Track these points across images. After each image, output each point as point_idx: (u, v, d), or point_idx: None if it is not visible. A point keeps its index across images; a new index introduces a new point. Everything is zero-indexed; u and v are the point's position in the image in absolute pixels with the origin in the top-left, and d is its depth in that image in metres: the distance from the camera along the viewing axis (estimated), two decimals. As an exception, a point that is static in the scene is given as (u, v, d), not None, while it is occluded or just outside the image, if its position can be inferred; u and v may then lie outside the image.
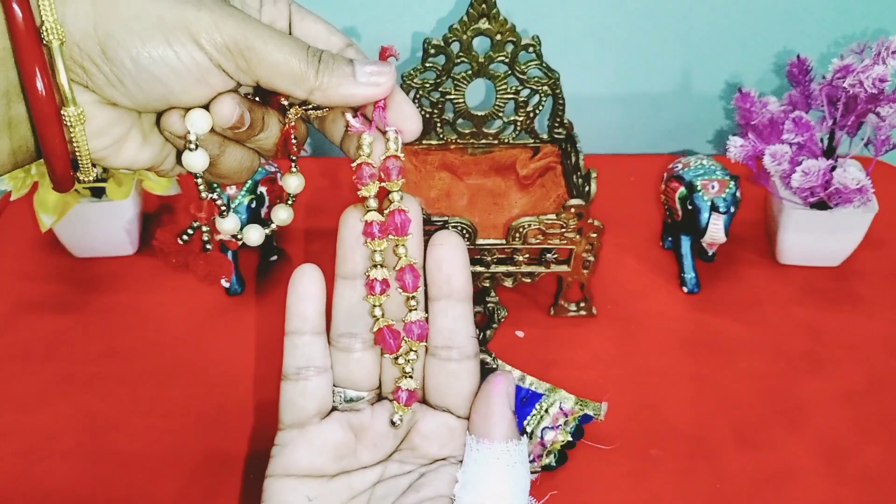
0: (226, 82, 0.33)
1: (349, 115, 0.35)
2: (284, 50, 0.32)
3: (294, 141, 0.37)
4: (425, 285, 0.38)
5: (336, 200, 0.76)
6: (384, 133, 0.36)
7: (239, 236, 0.40)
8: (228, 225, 0.38)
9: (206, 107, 0.33)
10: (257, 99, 0.36)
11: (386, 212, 0.37)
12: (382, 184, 0.36)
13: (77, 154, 0.33)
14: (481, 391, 0.39)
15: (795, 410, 0.61)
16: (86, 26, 0.30)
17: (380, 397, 0.40)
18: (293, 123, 0.36)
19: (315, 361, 0.38)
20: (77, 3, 0.30)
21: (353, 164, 0.36)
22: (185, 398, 0.61)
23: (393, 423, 0.39)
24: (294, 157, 0.38)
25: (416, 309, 0.38)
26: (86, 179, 0.34)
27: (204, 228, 0.38)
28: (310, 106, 0.36)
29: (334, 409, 0.39)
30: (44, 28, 0.30)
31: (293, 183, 0.39)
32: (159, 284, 0.69)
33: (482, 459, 0.38)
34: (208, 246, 0.38)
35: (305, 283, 0.38)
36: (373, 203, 0.37)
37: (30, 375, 0.62)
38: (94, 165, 0.34)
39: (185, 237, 0.38)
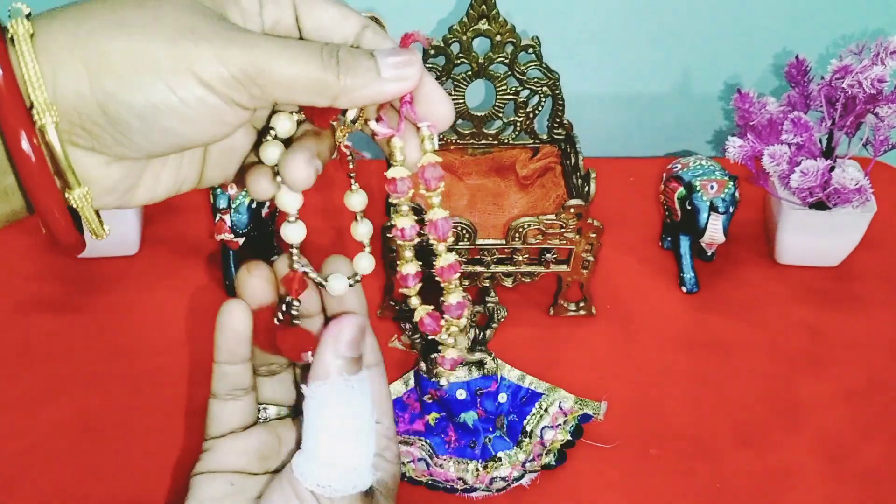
0: (241, 115, 0.30)
1: (372, 122, 0.33)
2: (298, 62, 0.29)
3: (350, 158, 0.35)
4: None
5: (335, 201, 0.77)
6: (416, 127, 0.33)
7: (317, 278, 0.38)
8: (295, 232, 0.36)
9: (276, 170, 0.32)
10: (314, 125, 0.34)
11: (427, 219, 0.36)
12: (422, 193, 0.35)
13: (87, 228, 0.31)
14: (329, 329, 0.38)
15: (795, 410, 0.61)
16: (81, 90, 0.28)
17: (299, 413, 0.40)
18: (346, 143, 0.34)
19: (242, 385, 0.40)
20: (66, 68, 0.28)
21: (387, 175, 0.34)
22: (185, 398, 0.61)
23: (440, 385, 0.43)
24: (352, 175, 0.37)
25: (453, 292, 0.38)
26: (101, 238, 0.33)
27: (295, 303, 0.37)
28: (353, 121, 0.33)
29: (259, 420, 0.42)
30: (34, 110, 0.27)
31: (356, 200, 0.38)
32: (159, 284, 0.69)
33: (315, 401, 0.37)
34: (295, 322, 0.37)
35: (233, 321, 0.37)
36: (405, 209, 0.36)
37: (30, 375, 0.62)
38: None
39: (280, 317, 0.38)
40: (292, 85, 0.29)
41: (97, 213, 0.32)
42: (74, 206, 0.30)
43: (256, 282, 0.37)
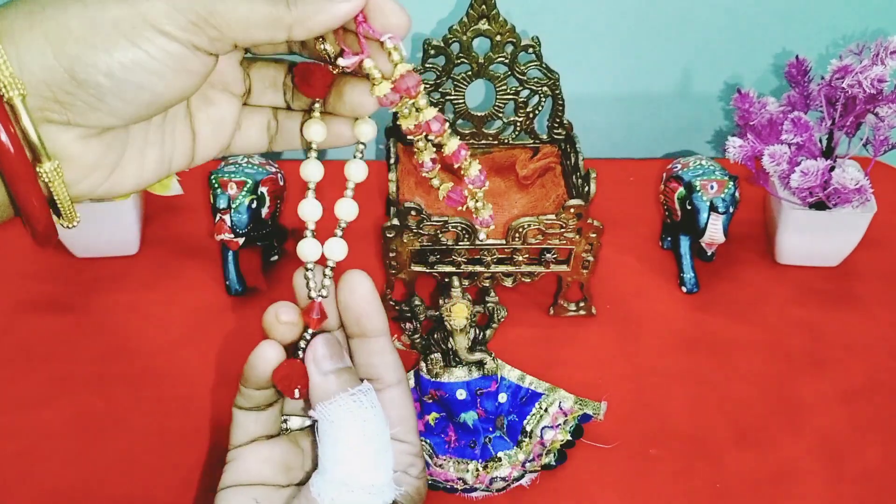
0: (206, 62, 0.31)
1: (340, 59, 0.32)
2: None
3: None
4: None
5: (335, 201, 0.76)
6: (380, 43, 0.33)
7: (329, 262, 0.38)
8: (311, 250, 0.37)
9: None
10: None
11: (422, 120, 0.35)
12: (409, 102, 0.35)
13: (59, 206, 0.32)
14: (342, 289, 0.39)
15: (795, 410, 0.61)
16: (46, 62, 0.28)
17: None
18: (343, 66, 0.33)
19: (267, 400, 0.40)
20: (29, 45, 0.28)
21: (374, 93, 0.33)
22: (185, 398, 0.61)
23: (485, 234, 0.44)
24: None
25: (470, 167, 0.38)
26: (71, 226, 0.33)
27: (307, 335, 0.38)
28: (335, 58, 0.33)
29: (283, 431, 0.41)
30: (1, 84, 0.28)
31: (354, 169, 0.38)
32: (159, 284, 0.69)
33: (324, 421, 0.37)
34: (299, 353, 0.37)
35: (266, 362, 0.38)
36: (405, 111, 0.35)
37: (30, 375, 0.62)
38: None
39: (301, 354, 0.38)
40: (247, 23, 0.30)
41: (65, 184, 0.32)
42: (46, 180, 0.30)
43: (284, 328, 0.38)
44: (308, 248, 0.36)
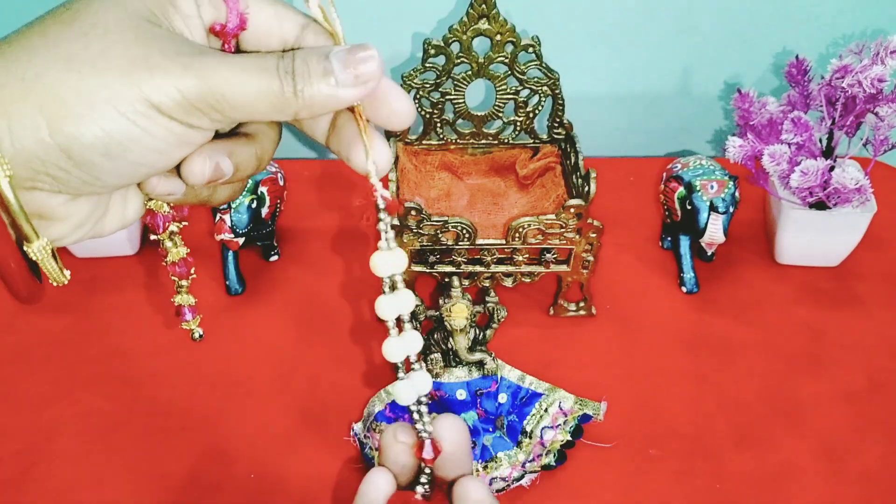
0: (206, 134, 0.29)
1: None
2: (253, 83, 0.28)
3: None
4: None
5: (335, 201, 0.77)
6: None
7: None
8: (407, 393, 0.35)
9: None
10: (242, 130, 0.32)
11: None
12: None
13: (48, 275, 0.30)
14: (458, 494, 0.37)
15: (795, 410, 0.61)
16: (41, 137, 0.26)
17: None
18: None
19: None
20: (22, 116, 0.26)
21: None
22: (185, 398, 0.61)
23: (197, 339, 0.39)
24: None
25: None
26: (59, 284, 0.31)
27: (426, 472, 0.37)
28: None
29: None
30: None
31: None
32: (159, 284, 0.69)
33: None
34: (418, 489, 0.36)
35: (378, 489, 0.35)
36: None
37: (30, 375, 0.62)
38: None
39: (422, 491, 0.37)
40: (252, 107, 0.29)
41: (55, 257, 0.30)
42: (34, 258, 0.28)
43: (401, 447, 0.36)
44: (393, 348, 0.34)
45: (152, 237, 0.34)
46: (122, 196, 0.32)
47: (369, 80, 0.29)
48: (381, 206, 0.32)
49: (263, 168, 0.34)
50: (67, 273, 0.31)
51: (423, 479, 0.36)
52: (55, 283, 0.31)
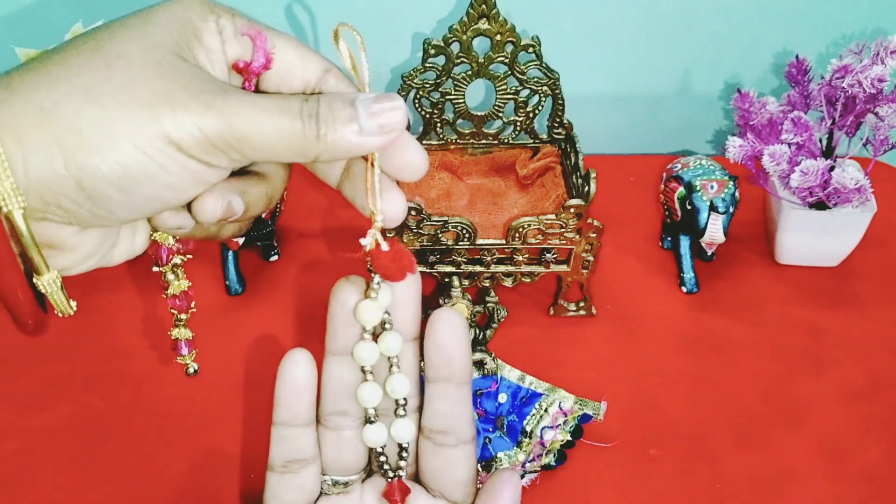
0: (222, 173, 0.29)
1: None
2: (275, 124, 0.28)
3: None
4: (421, 365, 0.35)
5: (336, 201, 0.76)
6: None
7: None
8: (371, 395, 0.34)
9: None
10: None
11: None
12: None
13: (55, 308, 0.30)
14: (487, 491, 0.35)
15: (795, 410, 0.61)
16: (55, 168, 0.26)
17: (369, 473, 0.37)
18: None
19: (304, 454, 0.35)
20: (37, 148, 0.26)
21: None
22: (185, 398, 0.61)
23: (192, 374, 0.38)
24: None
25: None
26: (68, 314, 0.31)
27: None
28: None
29: (322, 494, 0.36)
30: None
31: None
32: (159, 284, 0.69)
33: None
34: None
35: (297, 373, 0.33)
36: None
37: (30, 375, 0.62)
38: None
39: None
40: (272, 149, 0.28)
41: (62, 289, 0.30)
42: (43, 291, 0.28)
43: (351, 288, 0.33)
44: (368, 395, 0.33)
45: (154, 269, 0.34)
46: (131, 228, 0.32)
47: (393, 129, 0.29)
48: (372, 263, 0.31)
49: (272, 207, 0.33)
50: (74, 304, 0.30)
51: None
52: (61, 315, 0.30)
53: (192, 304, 0.36)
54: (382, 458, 0.35)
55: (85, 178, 0.26)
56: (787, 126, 0.64)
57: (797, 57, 0.67)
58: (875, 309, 0.68)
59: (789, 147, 0.64)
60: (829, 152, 0.66)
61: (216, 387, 0.61)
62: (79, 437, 0.58)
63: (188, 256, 0.34)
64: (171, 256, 0.34)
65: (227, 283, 0.68)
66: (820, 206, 0.67)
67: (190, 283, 0.35)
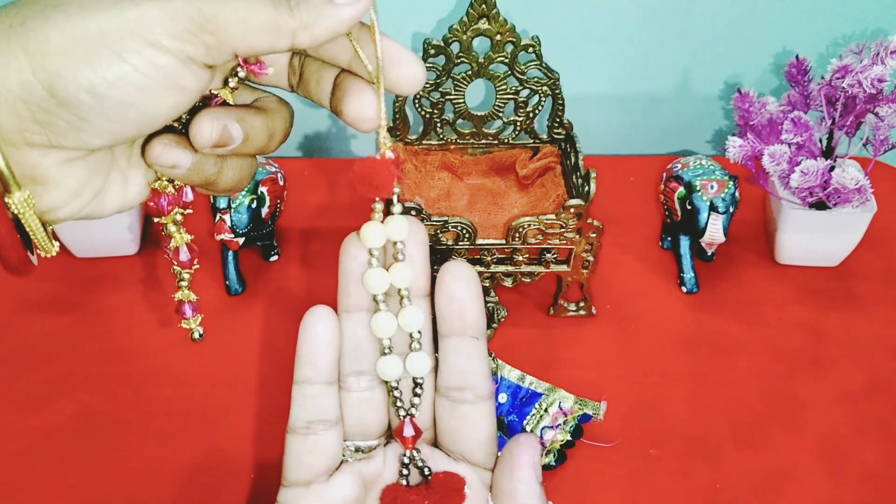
0: (199, 75, 0.28)
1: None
2: (246, 1, 0.27)
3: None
4: (434, 321, 0.34)
5: (336, 200, 0.77)
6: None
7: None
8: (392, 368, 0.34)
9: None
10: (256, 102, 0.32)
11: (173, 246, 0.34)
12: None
13: (33, 238, 0.29)
14: (506, 457, 0.34)
15: (795, 410, 0.61)
16: (24, 78, 0.26)
17: (389, 439, 0.36)
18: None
19: (326, 415, 0.34)
20: (6, 58, 0.26)
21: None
22: (185, 398, 0.61)
23: (197, 339, 0.37)
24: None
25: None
26: (48, 255, 0.30)
27: (414, 454, 0.35)
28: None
29: (343, 461, 0.35)
30: None
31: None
32: (159, 284, 0.69)
33: None
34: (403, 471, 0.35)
35: (319, 328, 0.33)
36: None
37: (30, 375, 0.62)
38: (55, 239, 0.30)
39: (403, 471, 0.35)
40: (247, 29, 0.27)
41: (44, 225, 0.29)
42: (15, 211, 0.28)
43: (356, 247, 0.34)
44: (388, 366, 0.33)
45: (155, 220, 0.33)
46: (122, 173, 0.31)
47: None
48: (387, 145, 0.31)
49: (274, 148, 0.33)
50: (56, 244, 0.30)
51: (405, 461, 0.34)
52: (44, 254, 0.30)
53: (196, 262, 0.35)
54: (397, 394, 0.34)
55: (54, 82, 0.26)
56: (787, 126, 0.64)
57: (797, 57, 0.67)
58: (875, 309, 0.68)
59: (789, 147, 0.64)
60: (829, 152, 0.66)
61: (216, 387, 0.62)
62: (79, 437, 0.58)
63: (188, 211, 0.34)
64: (171, 207, 0.33)
65: (227, 283, 0.68)
66: (820, 206, 0.67)
67: (192, 237, 0.34)
